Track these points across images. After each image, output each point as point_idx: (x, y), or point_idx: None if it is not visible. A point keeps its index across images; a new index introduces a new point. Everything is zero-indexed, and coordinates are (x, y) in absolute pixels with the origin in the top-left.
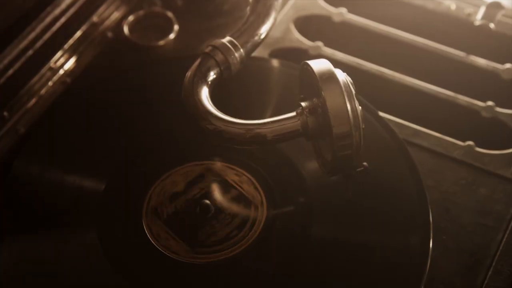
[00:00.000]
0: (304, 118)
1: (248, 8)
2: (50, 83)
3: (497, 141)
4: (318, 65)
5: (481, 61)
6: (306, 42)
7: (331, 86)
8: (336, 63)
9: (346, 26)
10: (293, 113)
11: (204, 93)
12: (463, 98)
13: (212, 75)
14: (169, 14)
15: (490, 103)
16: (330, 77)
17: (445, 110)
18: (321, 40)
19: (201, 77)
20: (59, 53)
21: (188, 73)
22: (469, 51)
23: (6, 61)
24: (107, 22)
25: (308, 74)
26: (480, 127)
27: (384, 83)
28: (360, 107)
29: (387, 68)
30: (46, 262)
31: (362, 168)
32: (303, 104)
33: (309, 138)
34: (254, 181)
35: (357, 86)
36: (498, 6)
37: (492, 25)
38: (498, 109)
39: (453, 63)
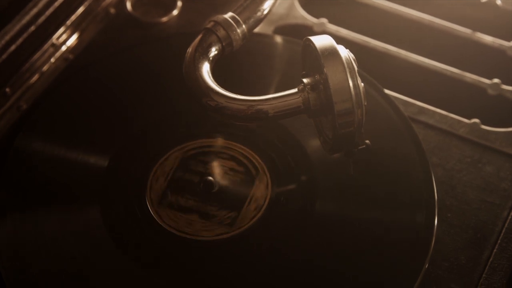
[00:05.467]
0: (305, 94)
1: None
2: (52, 60)
3: (503, 119)
4: (321, 41)
5: (487, 38)
6: (310, 19)
7: (333, 62)
8: (341, 40)
9: (351, 2)
10: (295, 90)
11: (206, 69)
12: (469, 76)
13: (213, 51)
14: None
15: (496, 80)
16: (332, 53)
17: (450, 88)
18: (326, 17)
19: (203, 53)
20: (61, 29)
21: (190, 49)
22: (475, 28)
23: (8, 37)
24: None
25: (310, 50)
26: (486, 105)
27: (389, 60)
28: (362, 84)
29: (392, 45)
30: (49, 238)
31: (363, 146)
32: (305, 80)
33: (311, 115)
34: (258, 159)
35: (362, 63)
36: None
37: (498, 2)
38: (504, 87)
39: (459, 40)
